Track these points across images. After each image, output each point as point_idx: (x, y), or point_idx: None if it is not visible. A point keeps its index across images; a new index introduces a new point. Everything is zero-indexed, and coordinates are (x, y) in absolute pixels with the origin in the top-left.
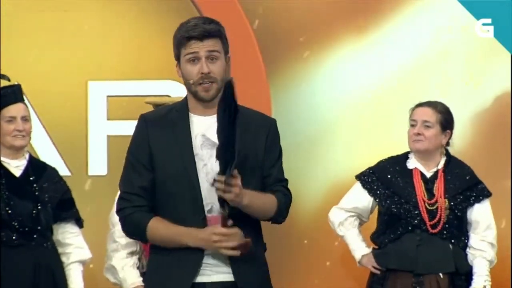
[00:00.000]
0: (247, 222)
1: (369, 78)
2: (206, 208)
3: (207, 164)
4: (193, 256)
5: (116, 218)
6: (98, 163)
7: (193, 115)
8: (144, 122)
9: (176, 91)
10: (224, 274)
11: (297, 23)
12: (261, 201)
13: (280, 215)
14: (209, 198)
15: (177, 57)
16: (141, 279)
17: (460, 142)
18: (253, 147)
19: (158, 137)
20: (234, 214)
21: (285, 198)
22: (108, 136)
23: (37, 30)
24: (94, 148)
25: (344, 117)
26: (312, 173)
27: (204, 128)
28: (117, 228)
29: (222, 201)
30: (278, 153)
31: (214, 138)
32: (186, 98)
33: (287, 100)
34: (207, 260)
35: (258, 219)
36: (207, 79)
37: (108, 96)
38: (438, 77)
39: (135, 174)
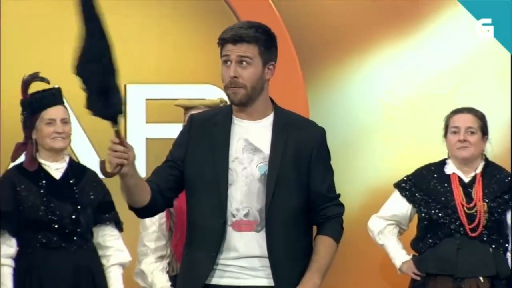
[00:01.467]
0: (299, 232)
1: (405, 83)
2: (243, 212)
3: (247, 168)
4: (206, 258)
5: (146, 222)
6: (137, 165)
7: (236, 119)
8: (190, 122)
9: (214, 95)
10: (261, 278)
11: (335, 28)
12: (328, 261)
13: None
14: (246, 201)
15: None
16: (169, 283)
17: (498, 147)
18: (296, 157)
19: (198, 137)
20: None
21: (339, 228)
22: (147, 139)
23: (76, 33)
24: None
25: (381, 122)
26: (350, 179)
27: (246, 132)
28: (147, 232)
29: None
30: (328, 166)
31: (256, 143)
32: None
33: (325, 105)
34: (242, 263)
35: (311, 232)
36: (234, 84)
37: (146, 99)
38: (473, 83)
39: (162, 167)
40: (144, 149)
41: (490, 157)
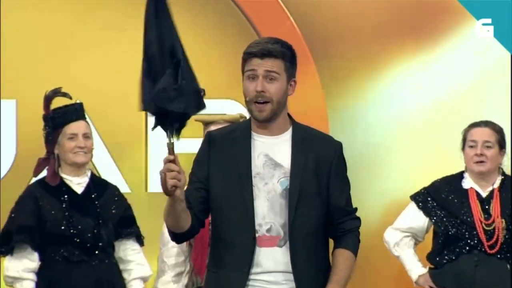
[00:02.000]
0: (320, 245)
1: (423, 98)
2: (266, 227)
3: (269, 183)
4: (239, 274)
5: (165, 238)
6: (158, 180)
7: (255, 134)
8: (208, 139)
9: (237, 110)
10: None
11: (354, 44)
12: (347, 273)
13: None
14: (269, 217)
15: (243, 74)
16: None
17: None
18: (316, 171)
19: (218, 154)
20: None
21: (357, 241)
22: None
23: (98, 49)
24: (154, 166)
25: (400, 137)
26: (368, 194)
27: (266, 147)
28: (166, 248)
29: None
30: (346, 180)
31: (277, 158)
32: (250, 117)
33: (344, 119)
34: (266, 278)
35: (328, 244)
36: (261, 98)
37: None
38: (490, 98)
39: (190, 190)
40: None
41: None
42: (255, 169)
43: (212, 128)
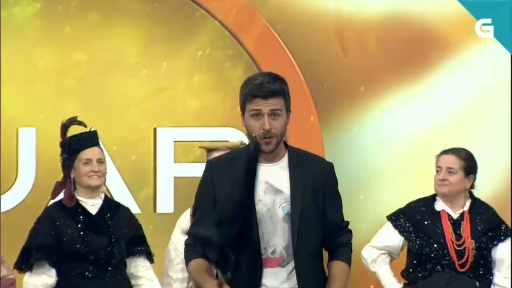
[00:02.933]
0: (319, 260)
1: (417, 124)
2: (270, 250)
3: (271, 209)
4: None
5: (171, 255)
6: (165, 201)
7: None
8: (210, 168)
9: (236, 137)
10: None
11: (348, 73)
12: (344, 283)
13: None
14: (272, 240)
15: (242, 110)
16: None
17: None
18: (313, 193)
19: (222, 182)
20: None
21: (350, 252)
22: (174, 177)
23: (111, 80)
24: (162, 188)
25: (393, 161)
26: (361, 216)
27: (267, 175)
28: (172, 264)
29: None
30: (339, 197)
31: (276, 185)
32: (249, 146)
33: (338, 145)
34: None
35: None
36: (268, 135)
37: (174, 141)
38: (483, 123)
39: (199, 224)
40: (172, 187)
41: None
42: (258, 196)
43: (215, 154)
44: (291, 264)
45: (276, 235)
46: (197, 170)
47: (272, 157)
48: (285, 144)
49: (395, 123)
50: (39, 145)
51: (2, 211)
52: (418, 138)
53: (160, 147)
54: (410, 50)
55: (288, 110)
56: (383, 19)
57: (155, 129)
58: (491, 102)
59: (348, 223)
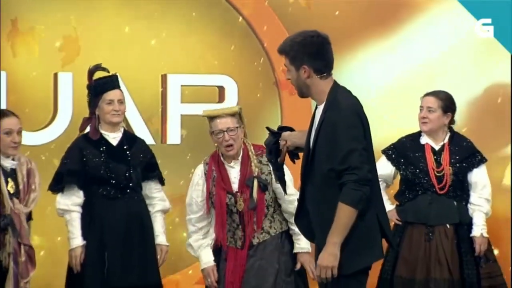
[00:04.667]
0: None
1: (388, 75)
2: None
3: None
4: None
5: (193, 208)
6: (173, 135)
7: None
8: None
9: (228, 83)
10: None
11: (328, 29)
12: (341, 229)
13: (356, 206)
14: None
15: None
16: (213, 258)
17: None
18: (318, 143)
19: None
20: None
21: (349, 190)
22: (181, 115)
23: (133, 37)
24: (172, 123)
25: (369, 105)
26: None
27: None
28: (196, 216)
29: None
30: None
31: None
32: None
33: None
34: None
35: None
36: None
37: (181, 85)
38: (445, 75)
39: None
40: (179, 123)
41: (487, 131)
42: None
43: (218, 121)
44: None
45: None
46: (200, 108)
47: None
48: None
49: (369, 70)
50: (75, 87)
51: (42, 143)
52: (389, 84)
53: (170, 90)
54: (382, 11)
55: (300, 66)
56: None
57: (166, 75)
58: (454, 54)
59: (351, 166)
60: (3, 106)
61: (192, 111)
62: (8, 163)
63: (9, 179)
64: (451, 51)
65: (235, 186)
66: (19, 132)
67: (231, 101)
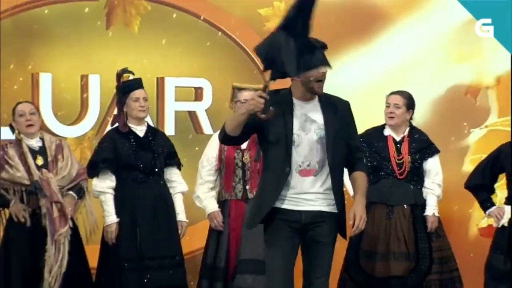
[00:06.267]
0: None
1: (369, 74)
2: (306, 163)
3: (308, 134)
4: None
5: (204, 163)
6: (169, 127)
7: (296, 100)
8: (269, 102)
9: (206, 85)
10: (316, 206)
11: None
12: (366, 188)
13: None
14: (308, 157)
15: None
16: (217, 206)
17: (424, 118)
18: (340, 124)
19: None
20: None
21: (364, 162)
22: (175, 111)
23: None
24: (168, 117)
25: (349, 100)
26: None
27: (305, 110)
28: (204, 170)
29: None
30: (355, 127)
31: (313, 117)
32: (289, 88)
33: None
34: (304, 196)
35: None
36: (322, 81)
37: (175, 87)
38: (412, 77)
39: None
40: (173, 118)
41: (442, 127)
42: (298, 124)
43: (244, 93)
44: (322, 174)
45: (311, 153)
46: (190, 106)
47: (308, 97)
48: None
49: (351, 71)
50: (102, 88)
51: (77, 135)
52: (371, 83)
53: (167, 90)
54: (362, 24)
55: None
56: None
57: (163, 78)
58: (417, 61)
59: (362, 146)
60: (48, 104)
61: (184, 107)
62: (34, 143)
63: (38, 155)
64: (415, 58)
65: (244, 144)
66: (32, 114)
67: (207, 100)
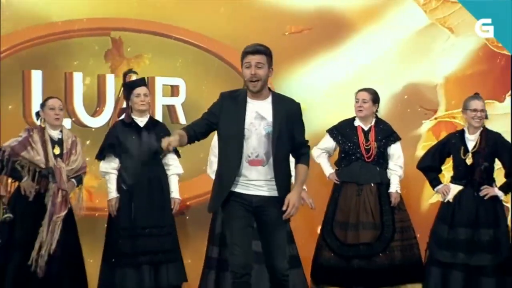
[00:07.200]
0: (287, 164)
1: (340, 74)
2: (255, 155)
3: (257, 129)
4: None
5: (214, 151)
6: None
7: (249, 99)
8: (222, 98)
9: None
10: (264, 191)
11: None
12: (305, 178)
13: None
14: (257, 149)
15: (241, 64)
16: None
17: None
18: (287, 122)
19: (227, 108)
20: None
21: (308, 158)
22: (162, 105)
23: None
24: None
25: (323, 97)
26: (311, 133)
27: (257, 107)
28: (212, 152)
29: None
30: (303, 125)
31: (263, 114)
32: (246, 89)
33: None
34: (254, 183)
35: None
36: (254, 78)
37: (163, 84)
38: (375, 76)
39: (199, 120)
40: (161, 111)
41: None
42: (249, 120)
43: (223, 91)
44: (269, 165)
45: (259, 146)
46: (172, 101)
47: (260, 96)
48: (270, 89)
49: (324, 72)
50: (116, 86)
51: (96, 126)
52: (341, 82)
53: (157, 87)
54: (333, 32)
55: (269, 66)
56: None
57: (154, 78)
58: (381, 62)
59: (308, 141)
60: (79, 100)
61: (169, 102)
62: (55, 134)
63: (56, 145)
64: (378, 60)
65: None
66: (60, 109)
67: (182, 95)
